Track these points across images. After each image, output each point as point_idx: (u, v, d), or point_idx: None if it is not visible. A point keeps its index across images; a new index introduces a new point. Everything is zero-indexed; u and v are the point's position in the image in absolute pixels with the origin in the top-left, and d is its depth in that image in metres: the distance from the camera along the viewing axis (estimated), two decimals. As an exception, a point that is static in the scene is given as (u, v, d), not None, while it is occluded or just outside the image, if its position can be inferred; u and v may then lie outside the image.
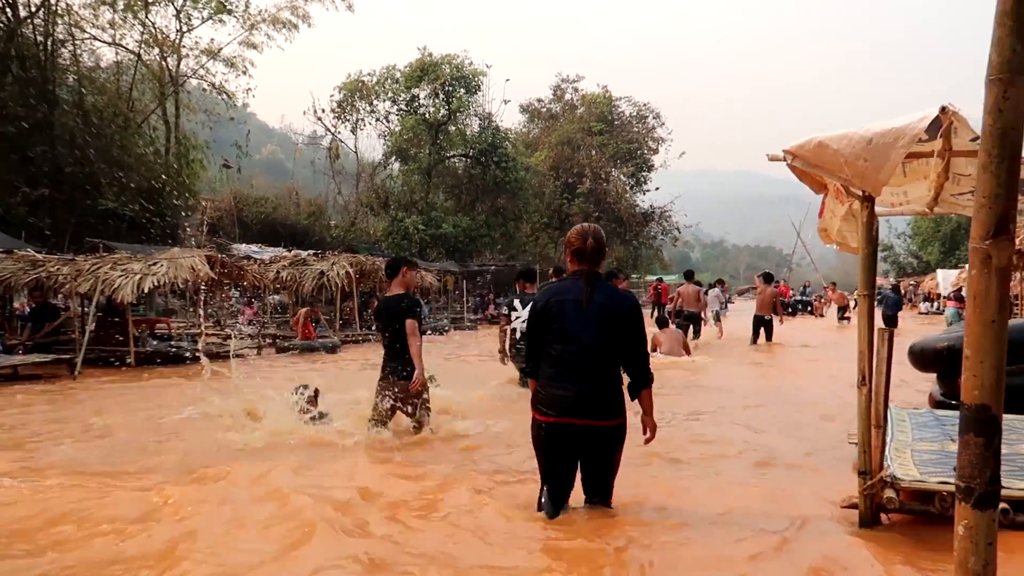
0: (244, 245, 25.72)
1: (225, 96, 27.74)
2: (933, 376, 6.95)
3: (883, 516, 3.75)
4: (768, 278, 15.97)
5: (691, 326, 15.06)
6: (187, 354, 12.25)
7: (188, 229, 25.85)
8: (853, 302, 31.51)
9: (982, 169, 1.61)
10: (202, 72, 27.45)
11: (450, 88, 32.22)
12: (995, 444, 1.64)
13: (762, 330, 15.37)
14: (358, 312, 17.41)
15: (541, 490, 3.81)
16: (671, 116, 41.59)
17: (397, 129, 33.74)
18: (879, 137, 3.14)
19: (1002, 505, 3.41)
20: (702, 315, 15.58)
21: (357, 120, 34.55)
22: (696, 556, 3.32)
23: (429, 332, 19.66)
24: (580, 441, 3.59)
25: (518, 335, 7.84)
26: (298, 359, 12.66)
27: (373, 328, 5.41)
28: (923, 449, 4.46)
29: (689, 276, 16.09)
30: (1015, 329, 6.64)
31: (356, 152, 36.53)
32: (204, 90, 27.87)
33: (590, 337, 3.56)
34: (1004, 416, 4.90)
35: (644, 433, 3.80)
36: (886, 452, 3.97)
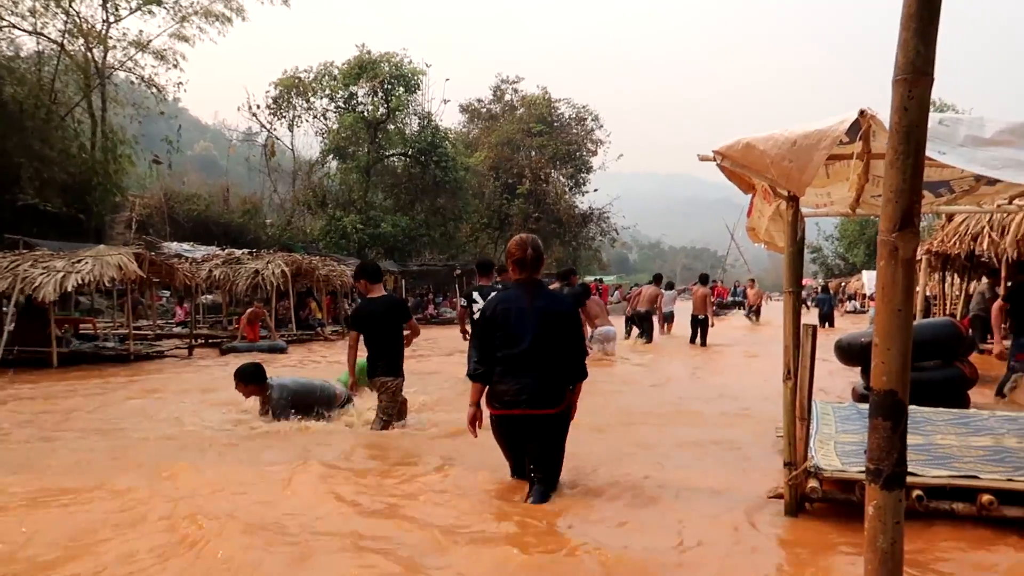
0: (175, 243, 24.99)
1: (155, 90, 26.86)
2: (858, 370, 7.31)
3: (807, 505, 3.88)
4: (704, 279, 16.57)
5: (642, 325, 15.50)
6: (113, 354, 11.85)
7: (115, 226, 24.97)
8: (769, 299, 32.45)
9: (889, 165, 1.69)
10: (130, 64, 26.57)
11: (389, 86, 31.96)
12: (901, 427, 1.72)
13: (698, 329, 15.80)
14: (294, 312, 17.06)
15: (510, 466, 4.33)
16: (609, 118, 42.21)
17: (335, 127, 33.28)
18: (802, 139, 3.25)
19: (917, 492, 3.58)
20: (654, 316, 15.94)
21: (294, 117, 33.96)
22: (625, 549, 3.37)
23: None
24: (527, 428, 4.00)
25: None
26: (244, 360, 12.26)
27: (348, 326, 5.60)
28: (845, 441, 4.64)
29: (658, 279, 16.70)
30: (931, 327, 7.00)
31: (293, 150, 35.90)
32: (132, 83, 26.97)
33: (531, 339, 3.93)
34: (921, 408, 5.13)
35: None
36: (810, 444, 4.11)
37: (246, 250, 20.61)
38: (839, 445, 4.51)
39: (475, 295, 8.25)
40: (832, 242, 52.35)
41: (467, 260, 35.65)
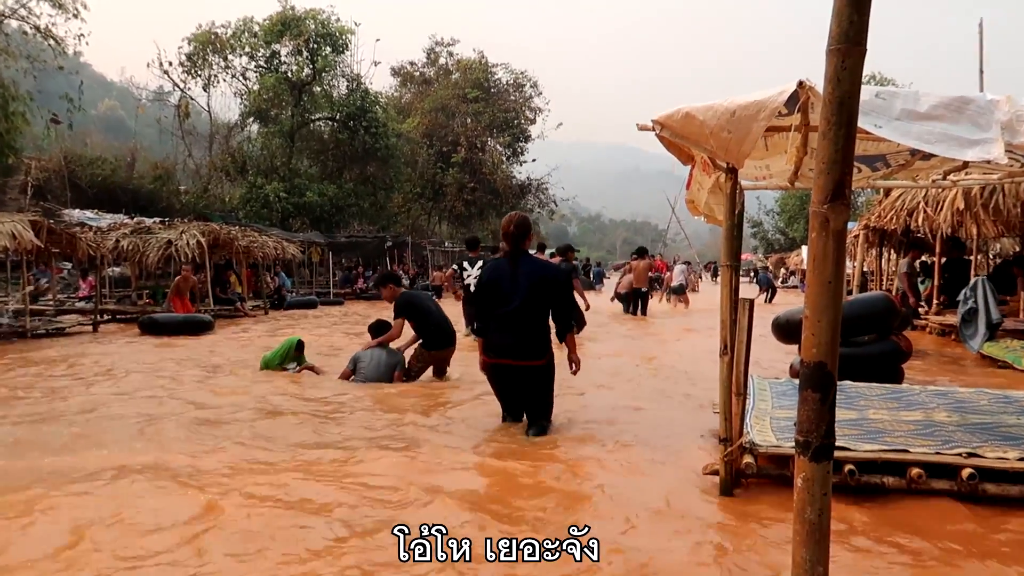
0: (77, 211, 23.59)
1: (52, 42, 24.57)
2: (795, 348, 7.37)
3: (743, 481, 3.85)
4: (642, 252, 16.86)
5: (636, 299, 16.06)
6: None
7: (9, 191, 23.36)
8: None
9: (821, 136, 1.66)
10: (23, 12, 24.13)
11: (315, 45, 30.67)
12: (830, 399, 1.71)
13: (639, 301, 16.11)
14: (211, 286, 16.22)
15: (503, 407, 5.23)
16: (548, 86, 41.19)
17: (256, 88, 31.71)
18: (742, 109, 3.17)
19: (849, 467, 3.63)
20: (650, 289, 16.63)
21: (210, 76, 32.20)
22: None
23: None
24: (516, 376, 4.90)
25: (472, 289, 9.82)
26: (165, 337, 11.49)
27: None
28: (781, 416, 4.64)
29: (642, 252, 17.03)
30: (866, 301, 7.10)
31: (209, 111, 34.26)
32: (26, 33, 24.60)
33: (519, 300, 4.77)
34: (856, 383, 5.17)
35: (571, 367, 5.12)
36: (746, 420, 4.10)
37: (157, 219, 19.58)
38: (775, 420, 4.53)
39: (465, 264, 10.41)
40: (772, 216, 51.55)
41: (399, 231, 34.89)
